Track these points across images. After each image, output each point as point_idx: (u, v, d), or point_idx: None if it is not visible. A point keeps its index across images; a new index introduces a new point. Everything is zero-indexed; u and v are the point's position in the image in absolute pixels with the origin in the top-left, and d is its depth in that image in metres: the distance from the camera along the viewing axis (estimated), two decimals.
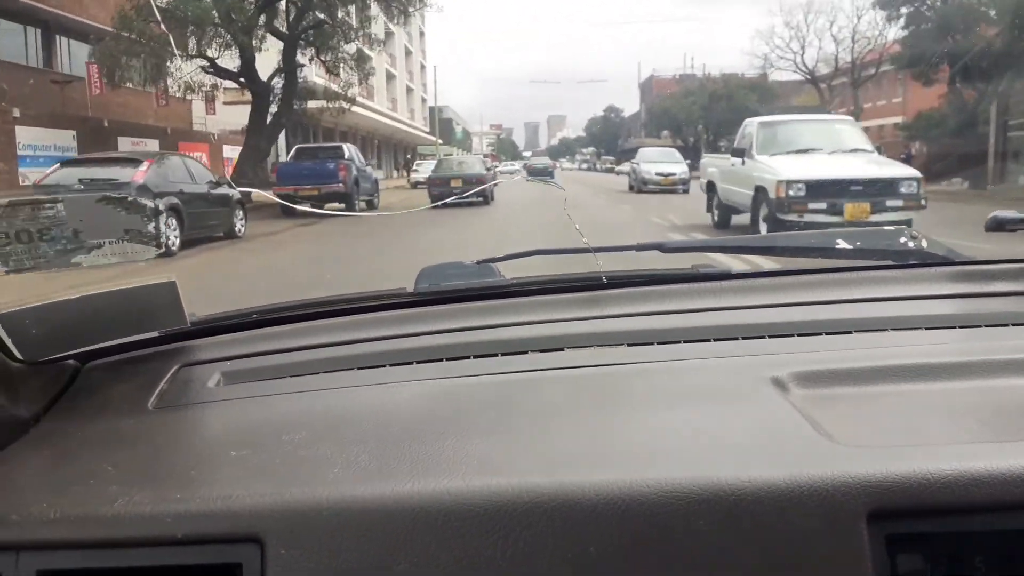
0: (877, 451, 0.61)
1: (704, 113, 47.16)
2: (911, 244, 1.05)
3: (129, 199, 0.79)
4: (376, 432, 0.70)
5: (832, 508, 0.57)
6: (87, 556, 0.59)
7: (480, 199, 15.20)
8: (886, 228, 1.09)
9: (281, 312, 1.04)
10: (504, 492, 0.59)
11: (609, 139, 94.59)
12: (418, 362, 0.88)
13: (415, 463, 0.63)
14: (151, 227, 0.79)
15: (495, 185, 20.38)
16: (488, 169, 20.88)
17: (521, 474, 0.61)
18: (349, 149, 16.01)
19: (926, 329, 0.89)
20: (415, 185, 24.28)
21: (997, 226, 1.06)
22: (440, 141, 49.79)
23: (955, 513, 0.58)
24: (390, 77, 42.43)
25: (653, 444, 0.65)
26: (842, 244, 1.05)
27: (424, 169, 26.28)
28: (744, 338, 0.88)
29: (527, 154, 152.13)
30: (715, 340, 0.88)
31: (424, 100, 58.17)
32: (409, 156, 39.97)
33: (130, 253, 0.79)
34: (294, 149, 16.10)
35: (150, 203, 0.80)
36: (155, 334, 0.93)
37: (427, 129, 51.91)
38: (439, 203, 14.58)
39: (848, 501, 0.57)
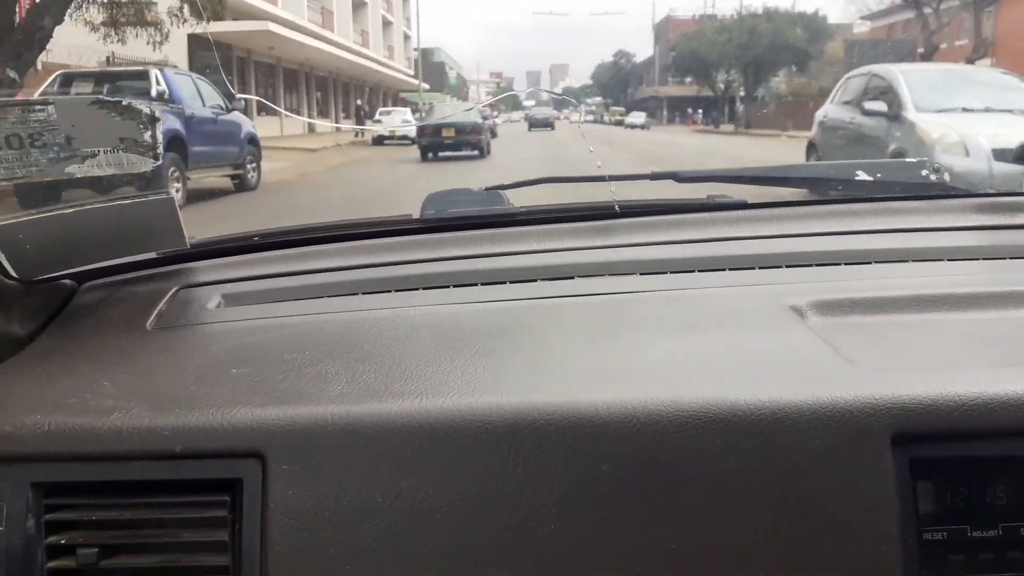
0: (901, 374, 0.63)
1: (741, 53, 43.30)
2: (933, 176, 1.08)
3: (124, 102, 0.79)
4: (382, 353, 0.73)
5: (856, 430, 0.58)
6: (82, 469, 0.61)
7: (475, 152, 15.17)
8: (907, 160, 1.07)
9: (284, 236, 1.06)
10: (514, 409, 0.60)
11: (618, 88, 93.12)
12: (424, 288, 0.90)
13: (422, 382, 0.65)
14: (148, 135, 0.79)
15: (494, 135, 20.77)
16: (484, 119, 21.34)
17: (532, 392, 0.63)
18: (166, 77, 9.11)
19: (948, 260, 0.92)
20: (379, 141, 21.15)
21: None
22: (427, 86, 46.17)
23: (979, 438, 0.59)
24: (359, 4, 37.16)
25: (669, 365, 0.67)
26: (862, 175, 1.07)
27: (391, 120, 23.35)
28: (761, 267, 0.91)
29: (528, 103, 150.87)
30: (731, 270, 0.91)
31: (407, 37, 53.08)
32: (360, 102, 33.31)
33: (126, 163, 0.79)
34: (57, 75, 9.16)
35: (146, 108, 0.79)
36: (153, 255, 0.95)
37: (410, 71, 47.92)
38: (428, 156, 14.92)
39: (872, 423, 0.59)
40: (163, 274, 0.95)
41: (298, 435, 0.61)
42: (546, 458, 0.59)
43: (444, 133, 15.75)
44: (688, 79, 54.02)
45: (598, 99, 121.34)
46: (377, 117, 25.59)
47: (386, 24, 47.92)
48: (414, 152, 14.99)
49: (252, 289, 0.93)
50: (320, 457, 0.60)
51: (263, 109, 26.06)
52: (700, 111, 46.94)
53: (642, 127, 47.97)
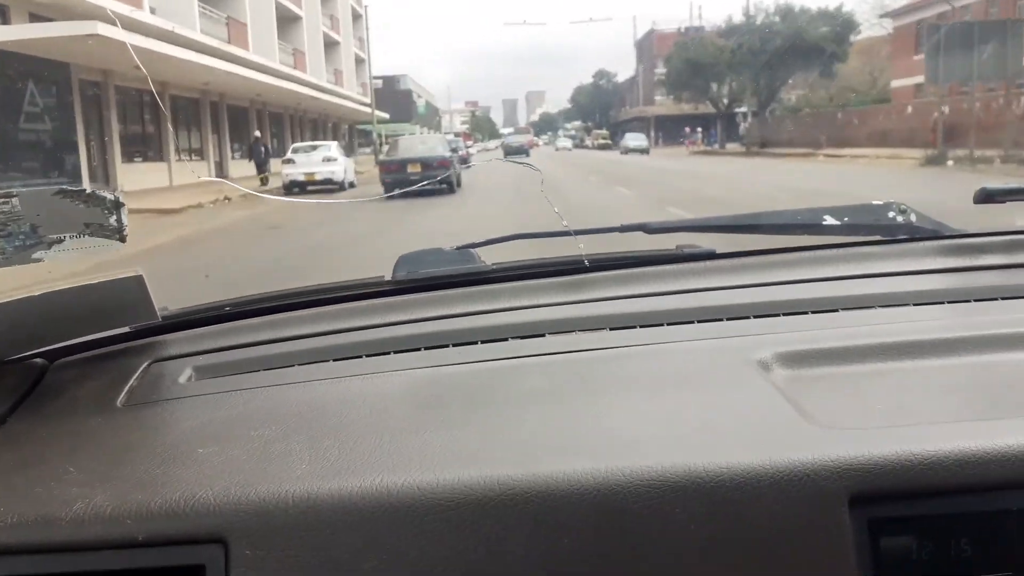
0: (859, 433, 0.67)
1: (752, 59, 39.73)
2: (899, 218, 1.14)
3: (87, 192, 0.86)
4: (349, 425, 0.77)
5: (813, 492, 0.62)
6: (45, 561, 0.64)
7: (443, 186, 14.81)
8: (874, 203, 1.17)
9: (255, 304, 1.12)
10: (474, 484, 0.64)
11: (600, 110, 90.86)
12: (395, 352, 0.96)
13: (385, 456, 0.69)
14: (113, 220, 0.85)
15: (468, 166, 20.70)
16: (454, 150, 20.19)
17: (493, 465, 0.66)
18: None
19: (914, 305, 0.99)
20: (291, 188, 18.47)
21: (986, 198, 1.14)
22: (385, 115, 43.37)
23: (939, 495, 0.63)
24: (289, 19, 34.66)
25: (630, 431, 0.71)
26: (829, 220, 1.14)
27: (307, 159, 19.51)
28: (729, 319, 0.97)
29: (505, 131, 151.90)
30: (699, 322, 0.97)
31: (360, 61, 51.02)
32: (258, 134, 25.72)
33: (92, 247, 0.85)
34: None
35: (110, 195, 0.85)
36: (125, 330, 1.00)
37: (366, 99, 44.67)
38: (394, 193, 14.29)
39: (829, 485, 0.62)
40: (135, 348, 1.00)
41: (259, 518, 0.64)
42: (508, 535, 0.62)
43: (409, 169, 15.71)
44: (684, 95, 49.72)
45: (577, 123, 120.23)
46: (288, 156, 21.03)
47: (331, 44, 44.13)
48: (339, 211, 11.74)
49: (223, 360, 0.98)
50: (282, 540, 0.63)
51: (137, 153, 21.20)
52: (699, 130, 43.28)
53: (643, 151, 44.90)
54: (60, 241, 0.84)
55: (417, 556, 0.62)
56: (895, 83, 33.38)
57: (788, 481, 0.62)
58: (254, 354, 0.99)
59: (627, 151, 45.38)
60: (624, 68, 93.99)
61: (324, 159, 19.60)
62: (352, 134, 46.94)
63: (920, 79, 24.73)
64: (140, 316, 0.96)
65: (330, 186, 18.92)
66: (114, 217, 0.85)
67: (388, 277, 1.15)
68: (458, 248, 1.18)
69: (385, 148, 23.08)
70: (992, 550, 0.63)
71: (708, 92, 47.05)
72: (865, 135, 29.35)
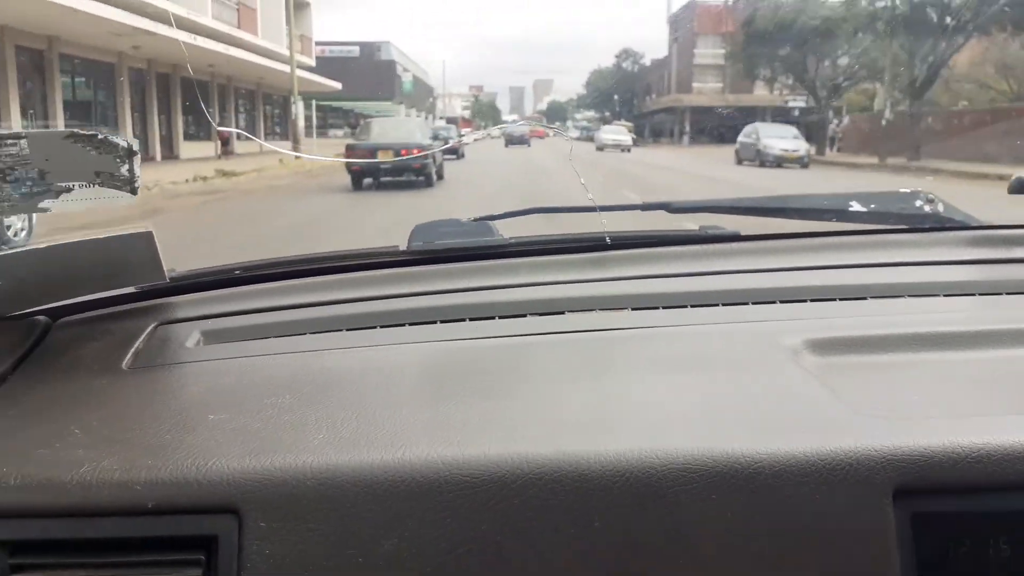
0: (902, 423, 0.70)
1: (822, 42, 34.05)
2: (927, 208, 1.20)
3: (99, 136, 0.88)
4: (364, 397, 0.81)
5: (857, 484, 0.65)
6: (50, 525, 0.67)
7: (420, 179, 14.84)
8: (902, 191, 1.24)
9: (267, 269, 1.17)
10: (502, 461, 0.67)
11: (623, 97, 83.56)
12: (411, 324, 1.01)
13: (404, 430, 0.72)
14: (125, 169, 0.87)
15: (458, 157, 20.47)
16: (437, 137, 19.62)
17: (521, 442, 0.69)
18: None
19: (944, 296, 1.04)
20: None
21: (1021, 188, 1.22)
22: (336, 85, 37.39)
23: (984, 491, 0.66)
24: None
25: (662, 412, 0.75)
26: (856, 207, 1.19)
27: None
28: (755, 303, 1.02)
29: (508, 118, 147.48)
30: (724, 305, 1.02)
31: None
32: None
33: (103, 197, 0.87)
34: None
35: (122, 141, 0.87)
36: (132, 290, 1.04)
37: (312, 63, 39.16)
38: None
39: (874, 476, 0.65)
40: (141, 310, 1.04)
41: (274, 490, 0.66)
42: (534, 514, 0.65)
43: (379, 156, 15.22)
44: (765, 74, 41.03)
45: (590, 113, 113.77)
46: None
47: (301, 6, 38.38)
48: None
49: (233, 325, 1.02)
50: (297, 513, 0.66)
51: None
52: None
53: (623, 148, 38.98)
54: (69, 190, 0.86)
55: (439, 534, 0.65)
56: None
57: (831, 470, 0.65)
58: (264, 320, 1.03)
59: (603, 147, 39.07)
60: (654, 50, 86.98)
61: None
62: (319, 111, 39.90)
63: None
64: (148, 276, 1.00)
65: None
66: (126, 166, 0.86)
67: (403, 247, 1.20)
68: (475, 220, 1.23)
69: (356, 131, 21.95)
70: None
71: (803, 73, 37.98)
72: None
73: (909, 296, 1.04)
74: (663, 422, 0.72)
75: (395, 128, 17.84)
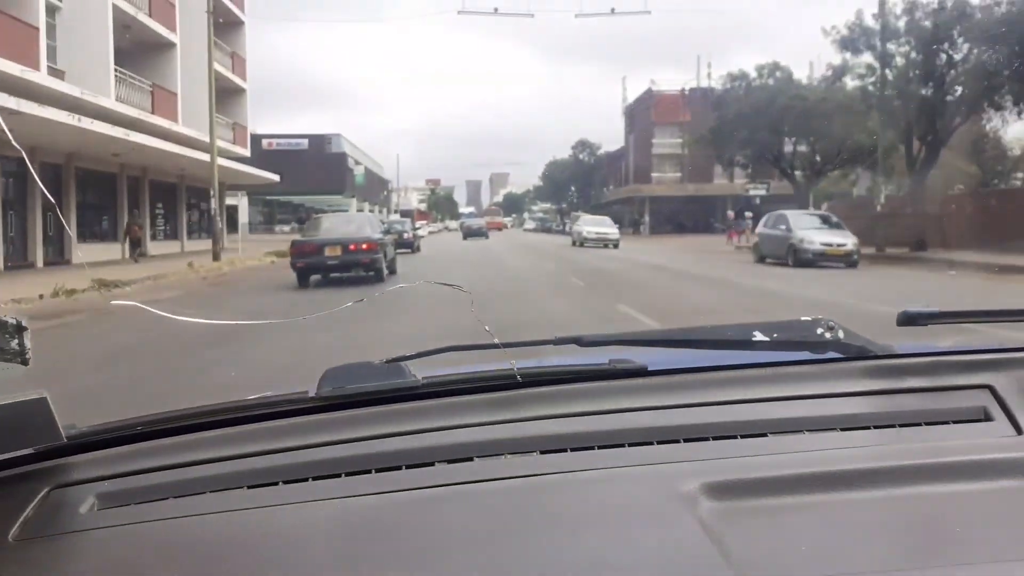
0: None
1: (801, 123, 32.65)
2: (828, 335, 1.24)
3: None
4: (251, 568, 0.83)
5: None
6: None
7: (370, 274, 14.99)
8: (803, 319, 1.29)
9: (169, 423, 1.16)
10: None
11: (579, 188, 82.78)
12: (314, 478, 1.01)
13: None
14: (15, 343, 0.92)
15: (411, 252, 22.83)
16: (389, 232, 18.93)
17: None
18: None
19: (841, 430, 1.10)
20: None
21: (908, 321, 1.28)
22: (275, 177, 34.51)
23: None
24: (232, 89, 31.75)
25: None
26: (759, 336, 1.24)
27: None
28: (659, 442, 1.07)
29: (465, 210, 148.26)
30: (629, 445, 1.06)
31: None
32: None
33: None
34: None
35: (11, 320, 0.93)
36: (29, 451, 1.02)
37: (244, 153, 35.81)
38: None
39: None
40: (35, 473, 1.03)
41: None
42: None
43: (327, 252, 14.74)
44: (737, 161, 39.14)
45: (547, 205, 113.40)
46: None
47: (233, 92, 34.57)
48: None
49: (130, 487, 1.01)
50: None
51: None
52: (748, 216, 33.32)
53: (610, 243, 34.90)
54: None
55: None
56: None
57: None
58: (163, 480, 1.02)
59: (582, 242, 35.80)
60: (609, 140, 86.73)
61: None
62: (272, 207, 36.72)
63: None
64: (44, 437, 0.97)
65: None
66: (16, 341, 0.91)
67: (312, 392, 1.18)
68: (387, 361, 1.24)
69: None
70: None
71: (778, 158, 36.07)
72: None
73: (807, 431, 1.09)
74: None
75: (345, 223, 17.52)
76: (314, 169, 60.37)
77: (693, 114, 65.20)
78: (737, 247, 33.49)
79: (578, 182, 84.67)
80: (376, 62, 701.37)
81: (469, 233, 52.91)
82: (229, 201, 66.52)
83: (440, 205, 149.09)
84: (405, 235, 29.82)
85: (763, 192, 64.65)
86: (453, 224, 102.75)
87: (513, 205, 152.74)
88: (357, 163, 66.69)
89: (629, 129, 70.10)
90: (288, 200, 70.82)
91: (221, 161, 26.99)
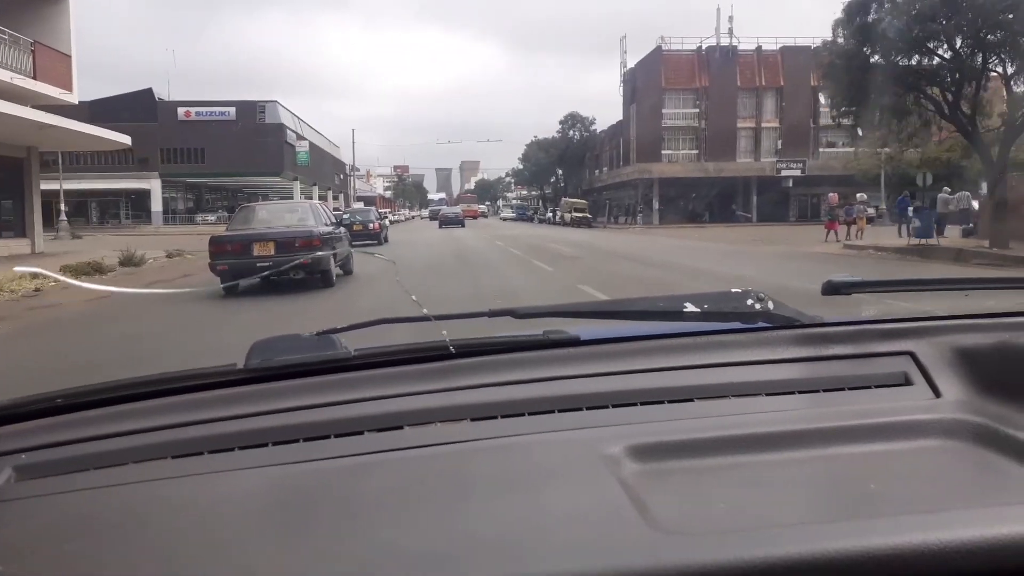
0: (698, 538, 0.75)
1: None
2: (757, 306, 1.25)
3: None
4: (173, 537, 0.82)
5: None
6: None
7: (315, 275, 12.26)
8: (733, 291, 1.30)
9: (91, 395, 1.15)
10: None
11: (568, 170, 71.65)
12: (240, 448, 1.01)
13: (206, 573, 0.74)
14: None
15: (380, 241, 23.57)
16: (341, 223, 15.88)
17: None
18: None
19: (766, 395, 1.13)
20: None
21: (832, 290, 1.30)
22: (83, 127, 21.34)
23: None
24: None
25: (475, 538, 0.79)
26: (690, 307, 1.24)
27: None
28: (588, 408, 1.09)
29: (435, 196, 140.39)
30: (559, 411, 1.08)
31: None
32: None
33: None
34: None
35: None
36: None
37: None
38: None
39: None
40: None
41: None
42: None
43: (256, 251, 11.89)
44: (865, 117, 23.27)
45: (524, 192, 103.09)
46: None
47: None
48: None
49: (49, 459, 1.00)
50: None
51: None
52: (861, 196, 22.14)
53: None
54: None
55: None
56: None
57: None
58: (84, 451, 1.02)
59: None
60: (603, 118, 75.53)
61: None
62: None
63: None
64: None
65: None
66: None
67: (240, 365, 1.17)
68: (318, 334, 1.22)
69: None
70: None
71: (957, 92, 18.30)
72: None
73: (733, 396, 1.12)
74: (471, 550, 0.75)
75: (283, 213, 14.07)
76: (244, 145, 48.99)
77: (712, 78, 55.14)
78: (846, 244, 22.59)
79: (565, 164, 73.65)
80: (342, 45, 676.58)
81: (445, 221, 52.24)
82: (134, 184, 54.77)
83: (408, 193, 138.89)
84: (370, 225, 27.76)
85: (797, 173, 54.76)
86: (424, 213, 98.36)
87: (486, 192, 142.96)
88: (300, 138, 55.12)
89: (630, 99, 59.22)
90: (220, 184, 59.44)
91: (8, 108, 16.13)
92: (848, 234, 24.44)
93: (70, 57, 21.98)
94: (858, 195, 26.51)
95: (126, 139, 23.24)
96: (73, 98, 21.65)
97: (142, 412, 1.07)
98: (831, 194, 26.97)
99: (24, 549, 0.79)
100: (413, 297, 1.34)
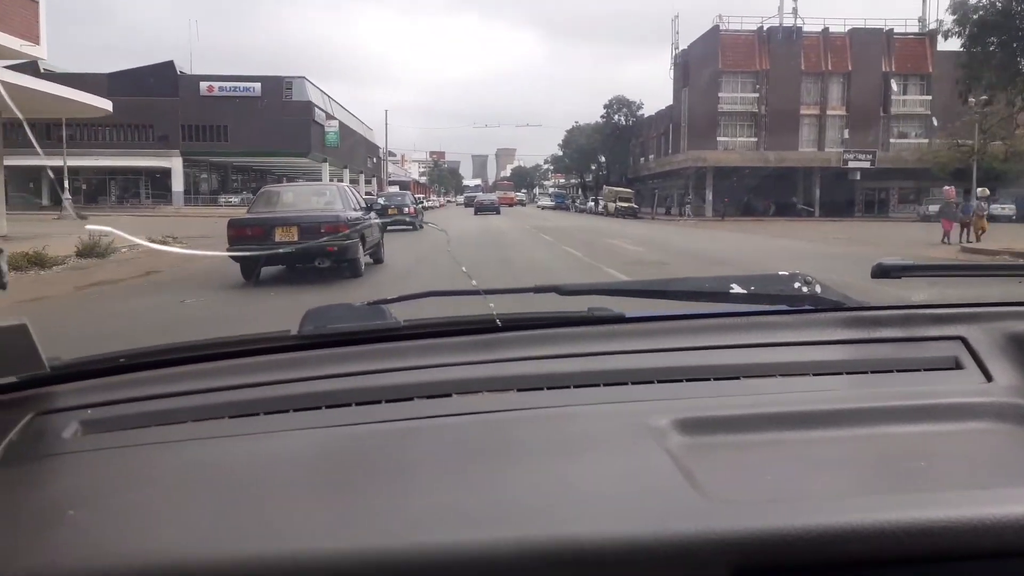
0: (745, 506, 0.76)
1: None
2: (804, 289, 1.26)
3: None
4: (231, 489, 0.85)
5: (694, 565, 0.70)
6: None
7: (341, 264, 11.26)
8: (780, 273, 1.30)
9: (152, 356, 1.18)
10: (349, 556, 0.70)
11: (613, 157, 68.05)
12: (295, 410, 1.04)
13: (262, 524, 0.76)
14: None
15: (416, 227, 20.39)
16: (363, 207, 14.02)
17: (375, 535, 0.73)
18: None
19: (813, 375, 1.12)
20: None
21: (883, 273, 1.29)
22: (60, 89, 18.28)
23: (821, 569, 0.71)
24: None
25: (523, 500, 0.80)
26: (736, 288, 1.25)
27: None
28: (633, 383, 1.09)
29: (470, 183, 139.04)
30: (605, 385, 1.09)
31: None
32: None
33: None
34: None
35: None
36: (13, 379, 1.05)
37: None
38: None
39: (710, 558, 0.70)
40: (17, 400, 1.05)
41: None
42: None
43: (278, 236, 10.88)
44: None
45: (562, 180, 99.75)
46: None
47: None
48: None
49: (112, 415, 1.04)
50: None
51: None
52: (981, 192, 18.51)
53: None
54: None
55: None
56: None
57: (670, 553, 0.69)
58: (146, 409, 1.05)
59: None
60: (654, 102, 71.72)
61: None
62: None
63: None
64: (26, 366, 1.00)
65: None
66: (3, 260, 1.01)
67: (294, 331, 1.20)
68: (369, 304, 1.26)
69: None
70: None
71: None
72: None
73: (780, 375, 1.11)
74: (523, 510, 0.76)
75: (309, 196, 12.94)
76: (270, 123, 46.20)
77: (774, 60, 51.21)
78: (964, 246, 19.13)
79: (609, 150, 70.09)
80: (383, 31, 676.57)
81: (481, 208, 52.38)
82: (154, 162, 52.24)
83: (443, 179, 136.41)
84: (405, 209, 27.10)
85: (866, 164, 50.70)
86: (460, 199, 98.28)
87: (523, 179, 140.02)
88: (330, 117, 52.23)
89: (682, 82, 55.47)
90: (246, 164, 56.85)
91: None
92: (964, 235, 20.77)
93: (36, 2, 17.48)
94: (978, 190, 22.69)
95: (107, 103, 20.24)
96: (41, 51, 17.81)
97: (200, 374, 1.11)
98: (947, 187, 23.19)
99: (91, 497, 0.83)
100: (463, 268, 1.40)
